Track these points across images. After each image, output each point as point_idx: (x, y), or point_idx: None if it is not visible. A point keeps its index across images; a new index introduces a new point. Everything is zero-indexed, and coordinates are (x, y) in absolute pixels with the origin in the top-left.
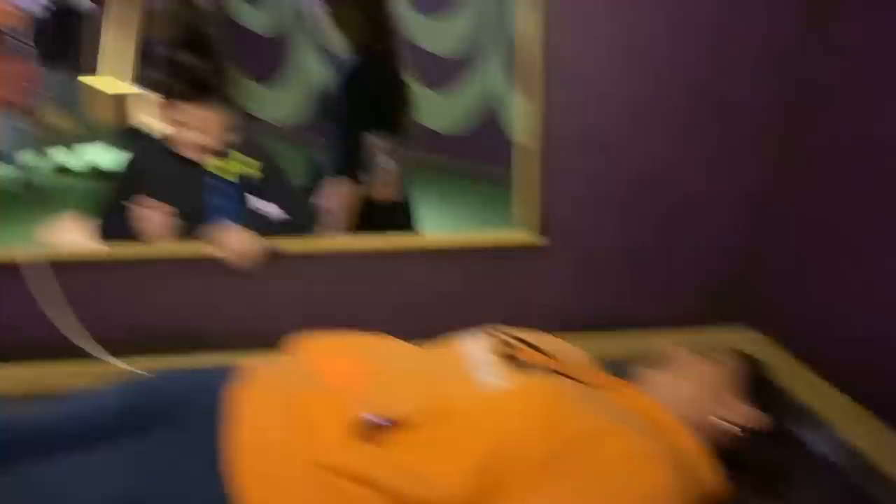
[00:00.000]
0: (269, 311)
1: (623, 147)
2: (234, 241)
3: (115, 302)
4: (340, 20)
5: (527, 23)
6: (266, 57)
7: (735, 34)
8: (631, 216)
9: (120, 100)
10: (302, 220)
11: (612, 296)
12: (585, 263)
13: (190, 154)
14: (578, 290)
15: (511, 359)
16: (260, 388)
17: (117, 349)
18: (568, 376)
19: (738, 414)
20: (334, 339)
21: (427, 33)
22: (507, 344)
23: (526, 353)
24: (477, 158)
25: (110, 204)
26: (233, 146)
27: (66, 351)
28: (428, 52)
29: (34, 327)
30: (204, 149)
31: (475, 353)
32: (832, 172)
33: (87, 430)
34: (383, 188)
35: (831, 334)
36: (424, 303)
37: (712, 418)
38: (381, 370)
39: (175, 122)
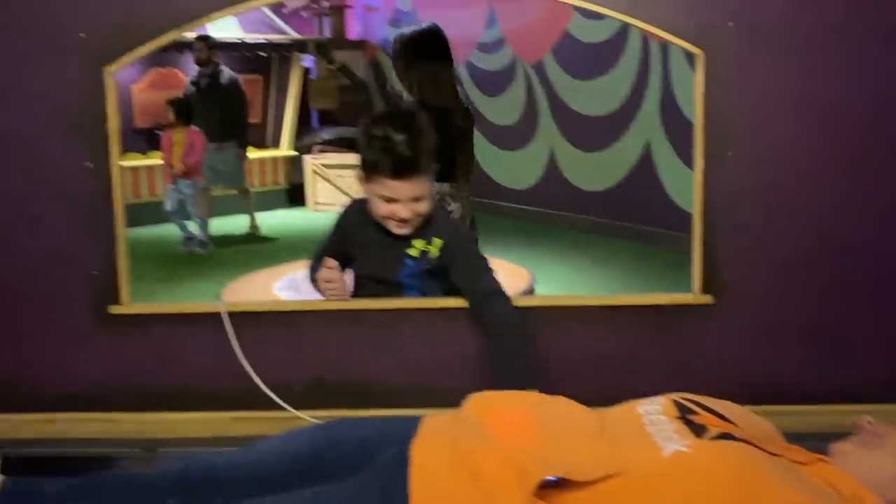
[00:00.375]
0: (446, 368)
1: (798, 204)
2: None
3: (295, 353)
4: (399, 76)
5: (688, 82)
6: None
7: None
8: (809, 277)
9: (287, 166)
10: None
11: (786, 362)
12: (756, 326)
13: (392, 229)
14: (748, 355)
15: (691, 423)
16: (440, 442)
17: (297, 401)
18: (752, 444)
19: None
20: (510, 396)
21: (578, 95)
22: (686, 408)
23: (706, 419)
24: (633, 218)
25: (318, 259)
26: (430, 223)
27: (249, 401)
28: (581, 114)
29: (218, 377)
30: (403, 223)
31: (653, 416)
32: None
33: (274, 474)
34: None
35: None
36: (589, 363)
37: None
38: (559, 429)
39: (377, 196)
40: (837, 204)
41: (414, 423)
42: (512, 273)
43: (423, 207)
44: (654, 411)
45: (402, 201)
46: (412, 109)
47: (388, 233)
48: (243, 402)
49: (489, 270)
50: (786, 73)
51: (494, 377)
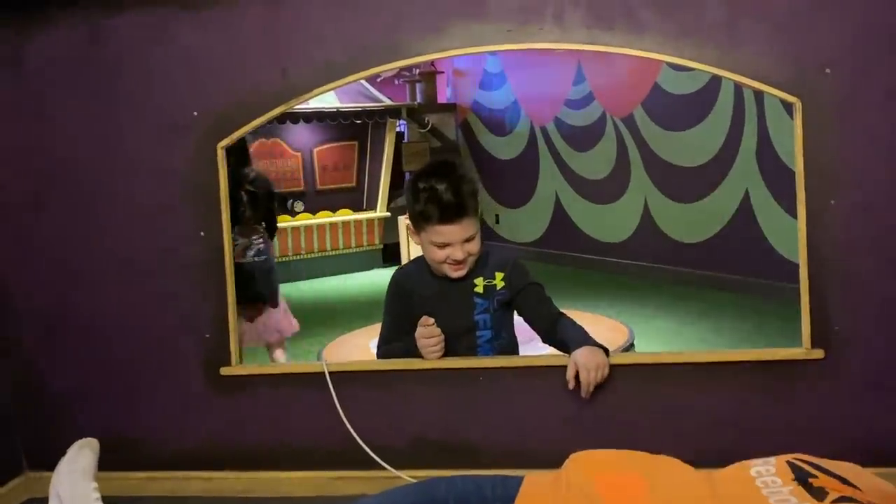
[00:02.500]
0: (545, 427)
1: None
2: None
3: (395, 413)
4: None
5: (785, 127)
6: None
7: None
8: None
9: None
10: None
11: None
12: (871, 382)
13: (449, 273)
14: (863, 413)
15: (810, 487)
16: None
17: (398, 460)
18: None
19: None
20: (615, 456)
21: (672, 147)
22: (803, 471)
23: (826, 481)
24: (734, 269)
25: (387, 334)
26: (485, 261)
27: (350, 460)
28: (672, 165)
29: (321, 436)
30: (459, 265)
31: (767, 478)
32: None
33: None
34: None
35: None
36: (691, 421)
37: None
38: (667, 491)
39: (431, 244)
40: None
41: (514, 482)
42: (610, 328)
43: (475, 247)
44: (767, 472)
45: (454, 245)
46: (452, 160)
47: (449, 282)
48: (345, 461)
49: (551, 300)
50: (886, 118)
51: (566, 341)
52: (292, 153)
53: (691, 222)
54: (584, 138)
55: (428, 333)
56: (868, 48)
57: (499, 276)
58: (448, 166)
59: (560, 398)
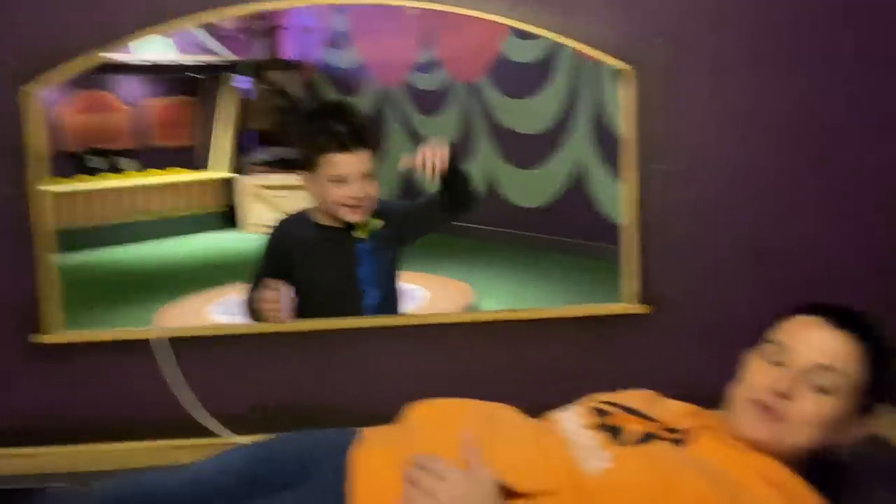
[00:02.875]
0: (381, 385)
1: (731, 216)
2: None
3: (232, 378)
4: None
5: (620, 97)
6: None
7: (842, 99)
8: (744, 287)
9: (221, 188)
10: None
11: (718, 367)
12: (692, 333)
13: (346, 215)
14: (685, 362)
15: (612, 429)
16: (381, 452)
17: (241, 426)
18: (663, 435)
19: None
20: (453, 403)
21: (513, 114)
22: (603, 412)
23: (623, 419)
24: (569, 233)
25: (256, 284)
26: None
27: (189, 428)
28: (514, 131)
29: (155, 405)
30: (356, 208)
31: (572, 428)
32: None
33: (208, 493)
34: None
35: None
36: (529, 374)
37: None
38: (502, 438)
39: (328, 180)
40: (766, 214)
41: (353, 435)
42: (455, 289)
43: (373, 189)
44: (575, 423)
45: (352, 180)
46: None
47: (331, 232)
48: (184, 429)
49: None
50: (713, 89)
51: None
52: (122, 107)
53: (531, 187)
54: (431, 102)
55: (272, 297)
56: (696, 23)
57: (375, 220)
58: (340, 102)
59: (405, 357)
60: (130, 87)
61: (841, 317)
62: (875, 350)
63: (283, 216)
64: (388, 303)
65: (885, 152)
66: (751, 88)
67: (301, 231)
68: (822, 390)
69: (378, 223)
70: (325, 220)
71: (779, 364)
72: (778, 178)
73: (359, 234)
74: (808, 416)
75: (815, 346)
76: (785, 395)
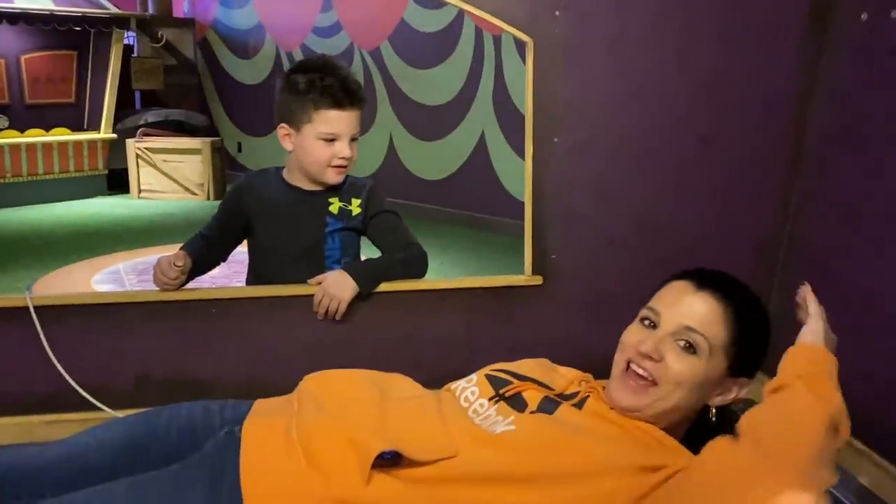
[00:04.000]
0: (273, 357)
1: (622, 191)
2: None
3: (117, 350)
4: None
5: (519, 70)
6: None
7: (734, 80)
8: (633, 259)
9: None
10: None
11: (608, 336)
12: (584, 304)
13: (330, 178)
14: (576, 332)
15: (510, 399)
16: (272, 422)
17: (122, 400)
18: (557, 399)
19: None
20: (346, 374)
21: (415, 85)
22: (500, 381)
23: (520, 386)
24: (470, 207)
25: (209, 227)
26: (346, 184)
27: (65, 403)
28: (416, 102)
29: (28, 377)
30: (342, 168)
31: (473, 400)
32: (838, 217)
33: (86, 467)
34: None
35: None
36: (427, 344)
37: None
38: (396, 407)
39: (318, 138)
40: (656, 190)
41: (246, 405)
42: None
43: (355, 152)
44: (472, 395)
45: (342, 138)
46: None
47: (303, 195)
48: (59, 404)
49: (408, 231)
50: (611, 65)
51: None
52: None
53: (433, 160)
54: None
55: (173, 273)
56: None
57: (355, 202)
58: (329, 58)
59: (298, 328)
60: (3, 37)
61: (708, 280)
62: (741, 312)
63: (250, 173)
64: None
65: (768, 135)
66: (648, 66)
67: (268, 190)
68: (688, 350)
69: (355, 207)
70: (297, 182)
71: (651, 327)
72: (668, 156)
73: (332, 208)
74: (675, 375)
75: (681, 308)
76: (650, 357)
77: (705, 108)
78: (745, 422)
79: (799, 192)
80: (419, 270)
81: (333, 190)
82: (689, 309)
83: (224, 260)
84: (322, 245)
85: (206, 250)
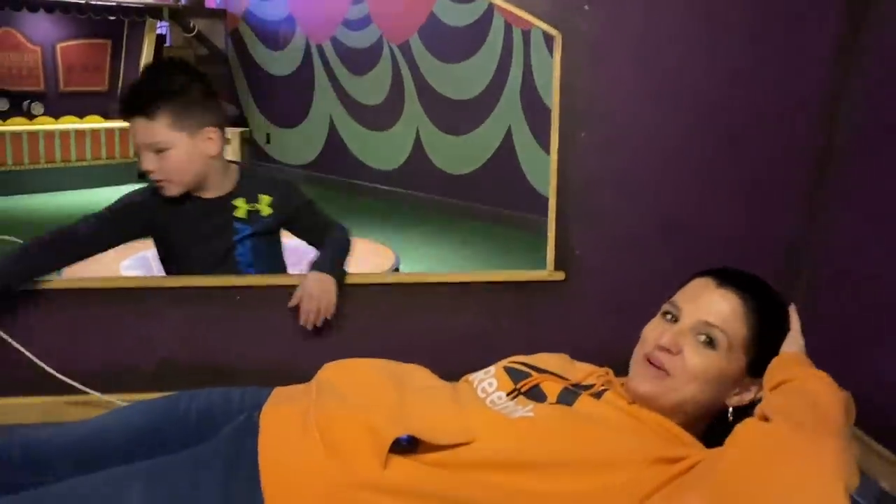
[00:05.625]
0: (294, 345)
1: (648, 188)
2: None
3: (138, 334)
4: None
5: (547, 65)
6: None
7: (763, 78)
8: (657, 257)
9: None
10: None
11: (628, 335)
12: (606, 301)
13: (160, 189)
14: (597, 329)
15: (529, 392)
16: (290, 408)
17: (141, 384)
18: (577, 391)
19: None
20: (364, 363)
21: (444, 79)
22: (519, 373)
23: (538, 378)
24: (496, 202)
25: (81, 224)
26: (246, 181)
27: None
28: (444, 96)
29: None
30: (161, 182)
31: (489, 389)
32: (866, 217)
33: (107, 449)
34: None
35: (856, 377)
36: (447, 337)
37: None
38: (414, 393)
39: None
40: (682, 188)
41: (265, 391)
42: (376, 252)
43: (172, 162)
44: (490, 386)
45: (141, 150)
46: (185, 60)
47: (202, 204)
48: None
49: (323, 212)
50: (637, 61)
51: (314, 260)
52: (31, 47)
53: (459, 154)
54: (360, 61)
55: None
56: None
57: (265, 199)
58: (172, 61)
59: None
60: (40, 26)
61: (731, 277)
62: (763, 311)
63: (145, 188)
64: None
65: (797, 133)
66: (676, 62)
67: (171, 204)
68: (706, 345)
69: (264, 207)
70: (194, 191)
71: (672, 321)
72: (695, 154)
73: (238, 213)
74: (692, 369)
75: (702, 304)
76: (669, 350)
77: (733, 106)
78: (768, 407)
79: (827, 192)
80: (350, 244)
81: (236, 191)
82: (709, 305)
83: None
84: (233, 255)
85: (32, 261)
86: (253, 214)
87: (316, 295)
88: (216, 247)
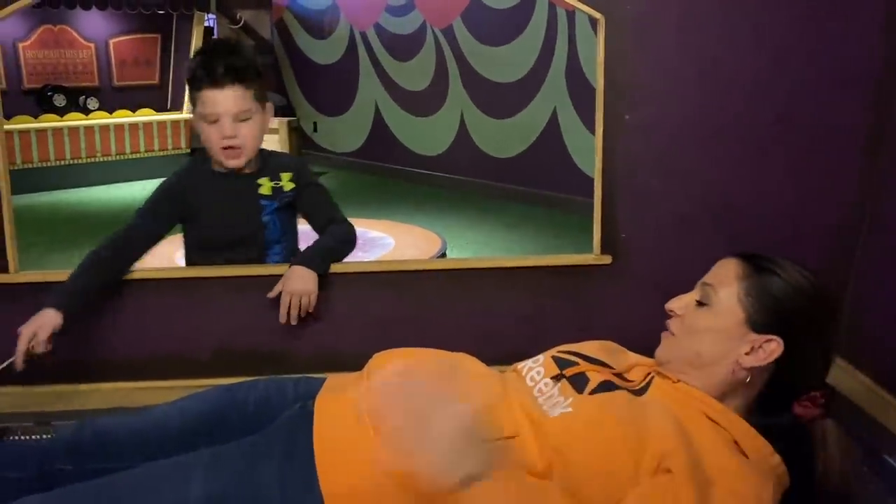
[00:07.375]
0: (345, 333)
1: (694, 170)
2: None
3: (196, 322)
4: None
5: (593, 45)
6: None
7: (811, 56)
8: (704, 239)
9: (190, 129)
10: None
11: None
12: (653, 284)
13: (225, 160)
14: (647, 312)
15: (572, 379)
16: (344, 397)
17: (200, 370)
18: (618, 382)
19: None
20: (413, 351)
21: (487, 62)
22: (565, 362)
23: (584, 367)
24: (542, 185)
25: (139, 220)
26: (268, 161)
27: (150, 371)
28: (488, 79)
29: (119, 346)
30: (234, 151)
31: (539, 381)
32: None
33: (172, 436)
34: None
35: None
36: (494, 322)
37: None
38: (463, 385)
39: (203, 121)
40: (729, 168)
41: (318, 381)
42: (423, 238)
43: (252, 131)
44: (538, 374)
45: (223, 118)
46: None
47: (233, 181)
48: (146, 371)
49: (332, 201)
50: (682, 41)
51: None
52: (84, 43)
53: (504, 138)
54: (404, 47)
55: (39, 348)
56: None
57: (285, 176)
58: (224, 40)
59: (370, 304)
60: (93, 22)
61: (747, 254)
62: (759, 268)
63: (189, 161)
64: (294, 250)
65: (847, 112)
66: (719, 42)
67: (199, 183)
68: (701, 304)
69: (286, 182)
70: (218, 167)
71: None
72: (742, 134)
73: (263, 190)
74: (689, 325)
75: (709, 273)
76: (672, 313)
77: (781, 85)
78: None
79: (880, 171)
80: (352, 245)
81: (260, 170)
82: (713, 271)
83: (138, 258)
84: (261, 232)
85: (98, 276)
86: (276, 190)
87: (298, 291)
88: (242, 224)
